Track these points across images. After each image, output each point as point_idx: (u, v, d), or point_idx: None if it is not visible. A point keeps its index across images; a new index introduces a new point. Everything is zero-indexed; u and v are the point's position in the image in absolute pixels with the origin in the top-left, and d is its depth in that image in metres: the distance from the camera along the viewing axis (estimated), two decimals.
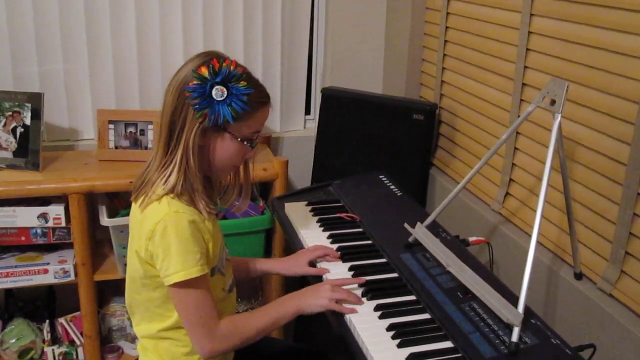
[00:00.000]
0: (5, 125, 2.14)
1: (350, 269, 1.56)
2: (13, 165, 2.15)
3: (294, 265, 1.61)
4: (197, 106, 1.27)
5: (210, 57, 1.30)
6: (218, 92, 1.27)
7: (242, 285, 2.48)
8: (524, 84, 1.85)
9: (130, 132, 2.27)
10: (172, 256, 1.27)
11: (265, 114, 1.38)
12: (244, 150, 1.37)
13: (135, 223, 1.36)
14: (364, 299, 1.42)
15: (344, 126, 2.38)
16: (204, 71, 1.27)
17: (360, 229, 1.76)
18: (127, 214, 1.43)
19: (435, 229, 1.66)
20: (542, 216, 1.34)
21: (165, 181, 1.31)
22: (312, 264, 1.61)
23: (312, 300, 1.41)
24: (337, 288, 1.42)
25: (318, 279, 1.55)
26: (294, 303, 1.41)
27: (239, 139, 1.34)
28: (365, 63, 2.58)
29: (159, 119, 1.35)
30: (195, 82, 1.27)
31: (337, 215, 1.83)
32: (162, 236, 1.27)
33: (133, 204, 1.38)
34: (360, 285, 1.47)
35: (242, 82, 1.29)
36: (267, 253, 2.34)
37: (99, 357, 2.28)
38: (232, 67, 1.28)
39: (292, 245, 1.76)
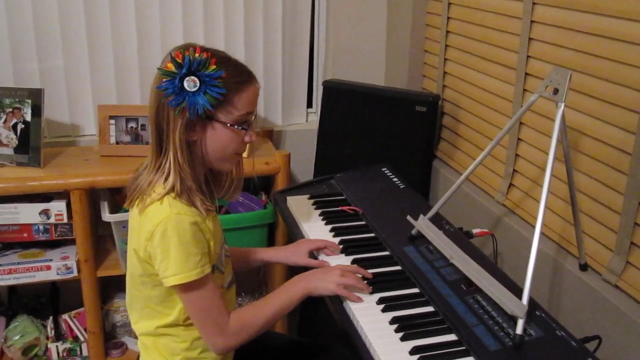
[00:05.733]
0: (5, 121, 2.14)
1: (353, 262, 1.55)
2: (14, 161, 2.14)
3: (293, 254, 1.61)
4: (173, 102, 1.25)
5: (173, 50, 1.27)
6: (190, 83, 1.24)
7: (246, 280, 2.48)
8: (526, 74, 1.83)
9: (132, 127, 2.26)
10: (171, 258, 1.26)
11: (251, 93, 1.32)
12: (239, 134, 1.33)
13: (134, 223, 1.35)
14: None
15: (346, 119, 2.36)
16: (170, 66, 1.25)
17: (363, 222, 1.75)
18: (129, 210, 1.42)
19: (438, 221, 1.65)
20: (546, 207, 1.32)
21: (165, 180, 1.29)
22: (312, 255, 1.60)
23: (320, 283, 1.39)
24: (347, 273, 1.41)
25: None
26: (301, 285, 1.40)
27: (229, 124, 1.30)
28: (367, 55, 2.57)
29: None
30: (164, 79, 1.25)
31: (340, 208, 1.82)
32: (162, 238, 1.26)
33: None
34: (364, 279, 1.46)
35: (210, 67, 1.25)
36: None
37: (103, 353, 2.28)
38: (196, 55, 1.24)
39: (294, 239, 1.74)
